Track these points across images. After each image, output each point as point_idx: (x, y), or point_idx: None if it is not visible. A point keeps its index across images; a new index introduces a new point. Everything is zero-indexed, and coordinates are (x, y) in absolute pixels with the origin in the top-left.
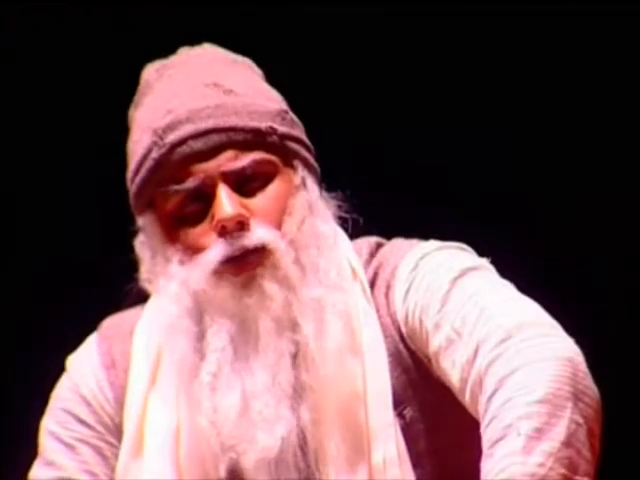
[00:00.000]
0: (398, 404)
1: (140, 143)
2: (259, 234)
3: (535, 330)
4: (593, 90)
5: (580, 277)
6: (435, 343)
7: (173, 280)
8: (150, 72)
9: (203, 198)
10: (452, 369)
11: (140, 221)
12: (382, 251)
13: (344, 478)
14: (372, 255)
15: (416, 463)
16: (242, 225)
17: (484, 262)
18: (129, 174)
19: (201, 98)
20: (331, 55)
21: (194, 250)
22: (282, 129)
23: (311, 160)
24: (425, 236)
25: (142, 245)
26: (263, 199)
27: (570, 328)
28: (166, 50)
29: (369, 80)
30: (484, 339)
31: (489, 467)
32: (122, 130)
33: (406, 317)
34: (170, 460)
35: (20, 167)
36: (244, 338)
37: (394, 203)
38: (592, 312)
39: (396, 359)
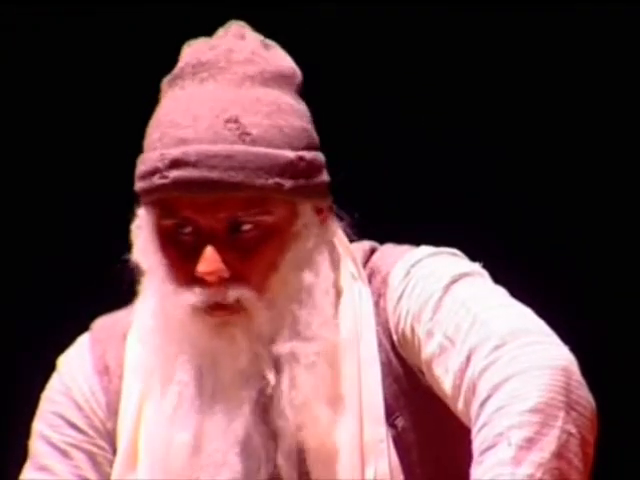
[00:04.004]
0: (390, 414)
1: (149, 153)
2: (236, 294)
3: (529, 338)
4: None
5: (574, 279)
6: (427, 351)
7: (154, 294)
8: (186, 61)
9: (197, 234)
10: (445, 377)
11: (139, 211)
12: (374, 258)
13: None
14: (365, 262)
15: (409, 473)
16: (221, 281)
17: (477, 267)
18: (137, 166)
19: (215, 138)
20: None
21: (176, 275)
22: (289, 184)
23: (322, 202)
24: (417, 241)
25: (138, 231)
26: (252, 257)
27: (562, 333)
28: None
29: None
30: (477, 346)
31: (478, 475)
32: (122, 130)
33: (397, 325)
34: (164, 474)
35: (20, 167)
36: (211, 377)
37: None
38: (585, 315)
39: (387, 368)
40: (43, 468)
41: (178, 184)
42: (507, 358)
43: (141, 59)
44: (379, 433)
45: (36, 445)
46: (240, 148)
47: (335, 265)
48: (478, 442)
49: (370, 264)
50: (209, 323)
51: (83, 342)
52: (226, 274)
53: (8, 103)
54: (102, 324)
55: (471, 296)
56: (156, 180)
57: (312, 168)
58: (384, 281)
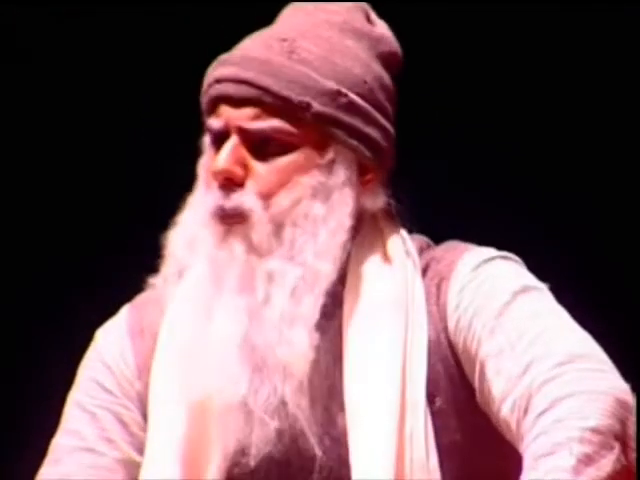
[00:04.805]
0: (429, 391)
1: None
2: (241, 198)
3: (594, 364)
4: None
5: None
6: (485, 349)
7: (195, 203)
8: (294, 3)
9: (224, 140)
10: (495, 379)
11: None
12: (436, 248)
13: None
14: (422, 250)
15: (441, 456)
16: (231, 182)
17: (544, 285)
18: None
19: (263, 49)
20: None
21: (206, 176)
22: (320, 109)
23: (366, 158)
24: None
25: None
26: (269, 166)
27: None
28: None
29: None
30: (539, 358)
31: (534, 477)
32: (122, 130)
33: (454, 312)
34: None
35: (20, 167)
36: (215, 283)
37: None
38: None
39: (435, 347)
40: (71, 432)
41: (216, 80)
42: (570, 377)
43: (141, 59)
44: (419, 394)
45: (67, 411)
46: (282, 60)
47: (368, 232)
48: (534, 449)
49: (430, 252)
50: (216, 232)
51: (122, 310)
52: (239, 174)
53: (8, 103)
54: (143, 295)
55: (539, 310)
56: (205, 80)
57: (357, 111)
58: (450, 267)
